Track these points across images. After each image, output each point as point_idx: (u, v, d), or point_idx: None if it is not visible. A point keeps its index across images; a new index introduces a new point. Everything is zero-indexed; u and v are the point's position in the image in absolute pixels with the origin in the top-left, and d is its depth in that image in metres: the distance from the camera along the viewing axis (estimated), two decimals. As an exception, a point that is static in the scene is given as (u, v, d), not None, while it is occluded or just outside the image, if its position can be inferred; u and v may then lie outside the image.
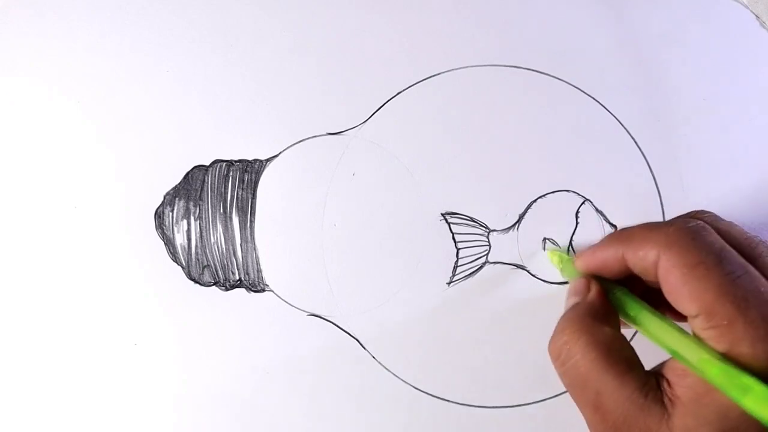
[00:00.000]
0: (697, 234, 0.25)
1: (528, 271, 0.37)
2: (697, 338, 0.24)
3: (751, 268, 0.25)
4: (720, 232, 0.26)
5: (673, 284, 0.25)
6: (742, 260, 0.25)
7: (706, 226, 0.26)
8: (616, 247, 0.28)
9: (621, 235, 0.28)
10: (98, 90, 0.38)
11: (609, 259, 0.29)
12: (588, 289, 0.29)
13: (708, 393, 0.24)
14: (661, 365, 0.26)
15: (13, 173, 0.37)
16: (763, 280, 0.24)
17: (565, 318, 0.28)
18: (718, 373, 0.23)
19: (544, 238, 0.37)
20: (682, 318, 0.26)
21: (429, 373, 0.37)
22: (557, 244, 0.37)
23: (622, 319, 0.29)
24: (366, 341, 0.37)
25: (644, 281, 0.28)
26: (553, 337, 0.28)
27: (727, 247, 0.25)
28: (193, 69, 0.38)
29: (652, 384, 0.25)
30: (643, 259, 0.26)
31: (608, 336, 0.26)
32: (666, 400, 0.24)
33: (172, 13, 0.38)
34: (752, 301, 0.23)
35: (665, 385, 0.25)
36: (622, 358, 0.26)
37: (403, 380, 0.37)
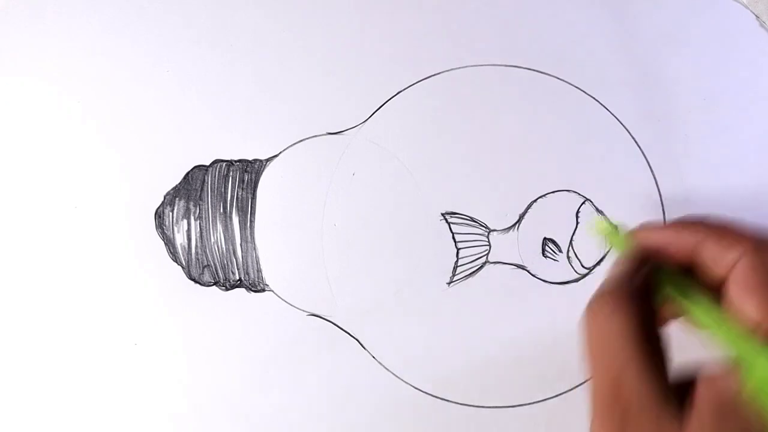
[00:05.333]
0: None
1: (528, 271, 0.37)
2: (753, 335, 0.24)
3: None
4: None
5: (749, 286, 0.24)
6: None
7: None
8: (694, 233, 0.27)
9: (704, 223, 0.27)
10: (98, 90, 0.38)
11: (678, 242, 0.28)
12: (642, 267, 0.28)
13: (733, 410, 0.23)
14: (691, 370, 0.25)
15: (13, 173, 0.38)
16: None
17: (614, 283, 0.27)
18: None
19: (544, 238, 0.37)
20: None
21: (429, 374, 0.37)
22: (557, 245, 0.37)
23: (670, 300, 0.28)
24: (366, 341, 0.37)
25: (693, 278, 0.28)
26: (596, 299, 0.26)
27: None
28: (193, 69, 0.38)
29: (677, 385, 0.24)
30: (725, 250, 0.26)
31: (655, 319, 0.26)
32: (686, 405, 0.24)
33: (172, 13, 0.38)
34: None
35: (691, 390, 0.24)
36: (660, 347, 0.25)
37: (403, 380, 0.37)
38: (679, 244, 0.28)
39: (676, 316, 0.28)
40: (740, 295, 0.25)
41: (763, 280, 0.24)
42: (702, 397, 0.24)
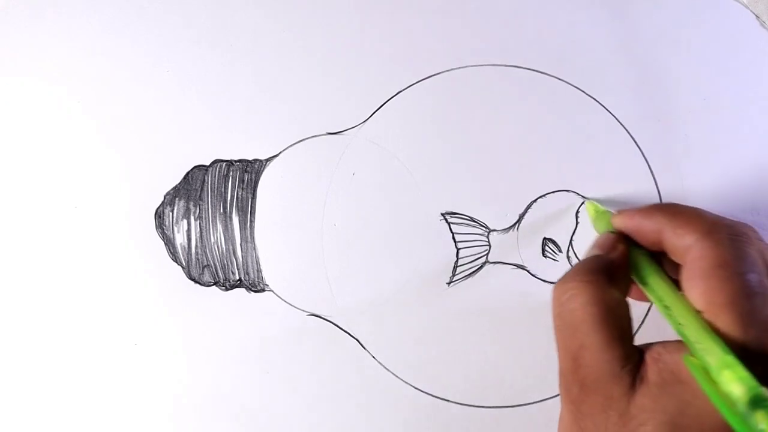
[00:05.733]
0: (739, 238, 0.26)
1: (528, 271, 0.37)
2: (701, 318, 0.25)
3: None
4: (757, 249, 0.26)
5: (694, 273, 0.25)
6: (766, 282, 0.25)
7: (752, 237, 0.26)
8: (658, 219, 0.28)
9: (667, 209, 0.28)
10: (98, 90, 0.38)
11: (646, 227, 0.29)
12: (614, 247, 0.29)
13: (676, 383, 0.24)
14: (647, 344, 0.26)
15: (13, 173, 0.38)
16: None
17: (581, 265, 0.28)
18: (709, 347, 0.23)
19: (544, 238, 0.37)
20: None
21: (429, 373, 0.37)
22: (557, 245, 0.37)
23: (633, 278, 0.29)
24: (366, 341, 0.37)
25: (666, 261, 0.29)
26: (562, 278, 0.28)
27: (760, 263, 0.25)
28: (193, 69, 0.38)
29: (634, 359, 0.25)
30: (680, 238, 0.27)
31: (614, 300, 0.27)
32: (638, 377, 0.25)
33: (172, 13, 0.38)
34: (754, 319, 0.23)
35: (642, 363, 0.25)
36: (618, 325, 0.26)
37: (403, 380, 0.37)
38: (646, 231, 0.29)
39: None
40: (687, 283, 0.26)
41: (705, 268, 0.25)
42: (649, 370, 0.25)
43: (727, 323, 0.23)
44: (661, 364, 0.25)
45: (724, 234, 0.26)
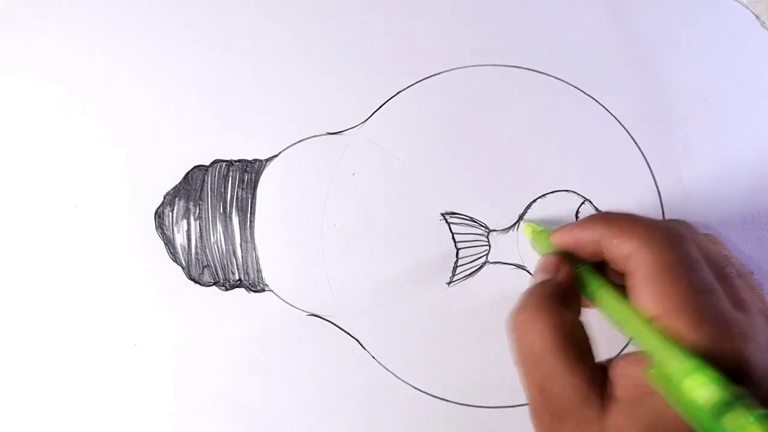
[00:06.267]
0: (677, 239, 0.26)
1: (528, 271, 0.37)
2: (655, 326, 0.25)
3: (717, 287, 0.25)
4: (695, 245, 0.26)
5: (639, 281, 0.25)
6: (711, 277, 0.25)
7: (687, 235, 0.26)
8: (595, 230, 0.28)
9: (603, 220, 0.28)
10: (98, 90, 0.38)
11: (584, 240, 0.28)
12: (558, 268, 0.29)
13: (644, 396, 0.24)
14: (609, 361, 0.26)
15: (13, 173, 0.38)
16: (725, 301, 0.24)
17: (530, 293, 0.28)
18: (668, 356, 0.23)
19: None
20: None
21: (429, 373, 0.37)
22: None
23: (582, 295, 0.29)
24: (366, 341, 0.37)
25: (610, 269, 0.29)
26: (514, 310, 0.28)
27: (701, 260, 0.25)
28: (193, 69, 0.38)
29: (599, 378, 0.25)
30: (618, 247, 0.26)
31: (568, 322, 0.27)
32: (606, 395, 0.25)
33: (172, 13, 0.38)
34: (707, 317, 0.23)
35: (607, 381, 0.25)
36: (577, 347, 0.26)
37: (403, 380, 0.37)
38: (584, 244, 0.29)
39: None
40: (635, 293, 0.26)
41: (649, 275, 0.25)
42: (616, 387, 0.25)
43: (681, 326, 0.23)
44: (627, 379, 0.25)
45: (662, 238, 0.25)
